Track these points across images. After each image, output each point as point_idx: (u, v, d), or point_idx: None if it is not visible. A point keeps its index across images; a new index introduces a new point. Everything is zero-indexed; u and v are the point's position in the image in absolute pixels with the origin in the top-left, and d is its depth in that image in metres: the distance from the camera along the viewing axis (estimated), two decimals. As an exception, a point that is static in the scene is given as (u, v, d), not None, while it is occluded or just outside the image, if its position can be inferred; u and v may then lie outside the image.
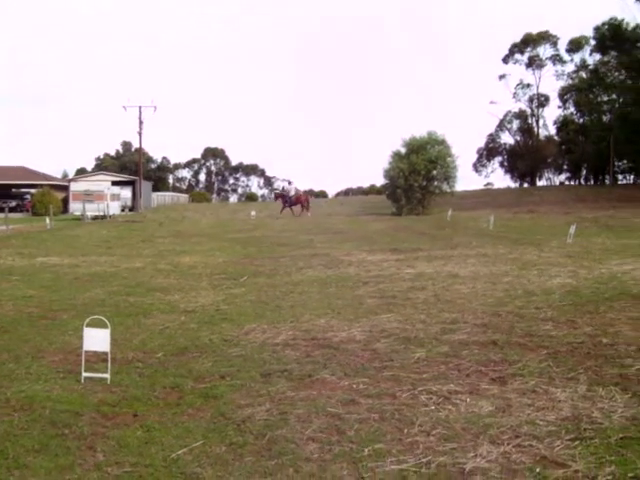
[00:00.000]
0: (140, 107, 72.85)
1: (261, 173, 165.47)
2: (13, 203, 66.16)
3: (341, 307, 11.05)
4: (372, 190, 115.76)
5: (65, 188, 67.06)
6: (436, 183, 54.12)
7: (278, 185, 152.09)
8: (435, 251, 20.29)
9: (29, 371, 7.33)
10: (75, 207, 56.01)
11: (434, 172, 53.19)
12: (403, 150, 54.14)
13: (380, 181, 66.46)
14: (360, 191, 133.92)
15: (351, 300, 11.79)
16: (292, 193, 53.28)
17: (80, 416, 5.86)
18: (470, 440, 5.22)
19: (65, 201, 63.16)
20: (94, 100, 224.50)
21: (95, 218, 50.67)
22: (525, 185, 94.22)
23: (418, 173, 51.83)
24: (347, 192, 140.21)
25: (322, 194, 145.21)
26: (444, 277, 14.36)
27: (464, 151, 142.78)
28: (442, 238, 26.00)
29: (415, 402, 6.16)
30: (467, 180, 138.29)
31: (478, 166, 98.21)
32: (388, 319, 9.92)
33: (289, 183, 57.04)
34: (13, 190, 72.43)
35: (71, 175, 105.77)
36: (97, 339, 6.95)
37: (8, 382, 6.88)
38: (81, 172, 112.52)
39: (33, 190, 66.79)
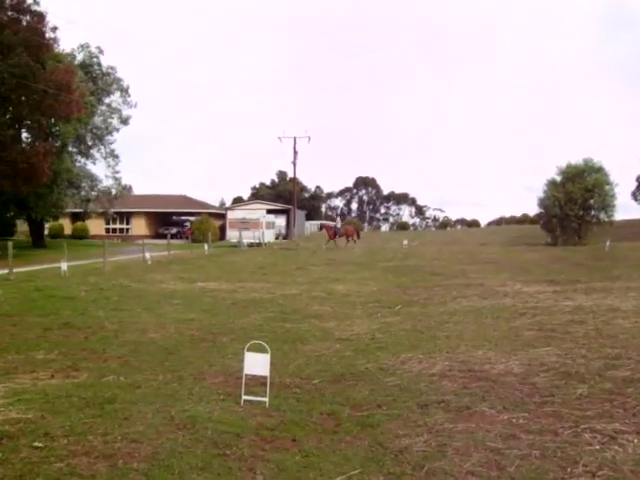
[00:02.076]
0: (295, 138, 74.77)
1: (412, 202, 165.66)
2: (174, 230, 69.45)
3: (498, 339, 10.78)
4: (525, 219, 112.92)
5: (222, 216, 69.74)
6: (593, 212, 52.13)
7: (430, 214, 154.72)
8: (594, 283, 19.47)
9: (191, 392, 7.60)
10: (232, 234, 57.99)
11: (591, 201, 51.25)
12: (558, 178, 52.60)
13: (533, 210, 64.73)
14: (513, 220, 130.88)
15: (508, 332, 11.49)
16: (339, 226, 55.03)
17: (240, 438, 5.99)
18: (640, 484, 4.92)
19: (222, 228, 65.56)
20: (251, 132, 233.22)
21: (251, 245, 52.27)
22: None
23: (574, 202, 50.19)
24: (499, 221, 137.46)
25: (474, 223, 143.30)
26: (604, 310, 13.74)
27: (622, 179, 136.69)
28: (601, 270, 24.93)
29: (578, 440, 5.87)
30: (626, 209, 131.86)
31: (638, 194, 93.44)
32: (547, 352, 9.59)
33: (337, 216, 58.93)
34: (174, 218, 76.23)
35: (228, 204, 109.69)
36: (257, 363, 7.13)
37: (172, 401, 7.16)
38: (238, 201, 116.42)
39: (192, 218, 69.90)
